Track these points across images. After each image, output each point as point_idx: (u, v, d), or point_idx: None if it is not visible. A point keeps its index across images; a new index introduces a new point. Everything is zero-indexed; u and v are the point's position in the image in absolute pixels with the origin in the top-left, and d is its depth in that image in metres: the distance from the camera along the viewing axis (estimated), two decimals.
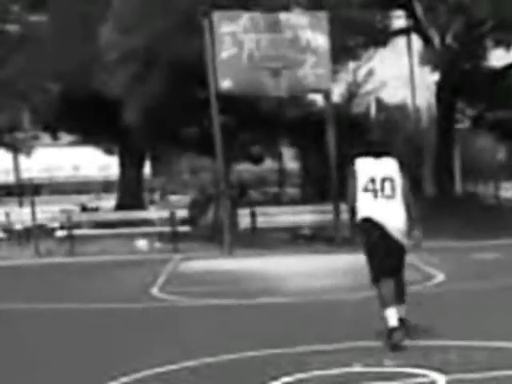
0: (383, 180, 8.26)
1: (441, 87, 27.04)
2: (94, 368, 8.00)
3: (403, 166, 8.49)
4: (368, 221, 8.30)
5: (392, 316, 8.19)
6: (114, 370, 7.67)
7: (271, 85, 20.41)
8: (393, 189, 8.27)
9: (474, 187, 32.88)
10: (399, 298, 8.45)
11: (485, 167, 32.55)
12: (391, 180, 8.29)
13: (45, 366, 8.28)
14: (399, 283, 8.54)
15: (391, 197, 8.28)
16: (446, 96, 27.00)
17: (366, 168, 8.34)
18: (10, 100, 24.66)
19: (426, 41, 26.63)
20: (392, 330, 8.14)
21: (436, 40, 26.23)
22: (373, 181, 8.26)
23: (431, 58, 25.80)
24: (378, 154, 8.44)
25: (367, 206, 8.27)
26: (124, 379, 7.30)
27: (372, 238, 8.37)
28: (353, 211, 8.42)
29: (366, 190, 8.28)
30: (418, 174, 28.77)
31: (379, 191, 8.25)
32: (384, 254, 8.36)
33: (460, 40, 25.61)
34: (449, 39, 26.01)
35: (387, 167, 8.37)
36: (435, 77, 27.45)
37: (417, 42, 28.84)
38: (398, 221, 8.33)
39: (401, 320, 8.34)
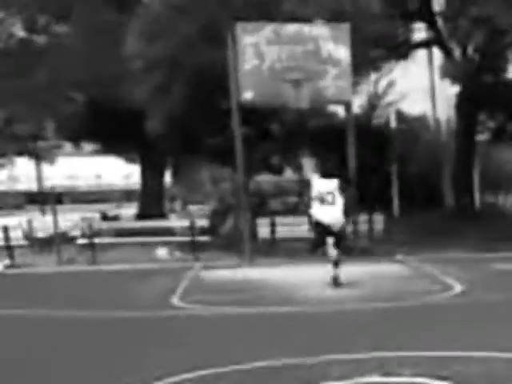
0: (327, 193, 14.20)
1: (461, 99, 27.05)
2: (112, 375, 8.13)
3: (348, 184, 15.39)
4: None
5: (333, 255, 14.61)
6: (132, 377, 7.80)
7: (292, 96, 20.50)
8: (333, 199, 14.21)
9: (494, 199, 32.79)
10: (337, 262, 14.61)
11: (506, 179, 32.45)
12: (332, 193, 14.21)
13: (63, 372, 8.42)
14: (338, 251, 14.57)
15: (332, 204, 14.26)
16: (466, 108, 27.00)
17: (319, 185, 14.31)
18: (35, 109, 24.88)
19: (447, 53, 26.65)
20: (335, 262, 14.66)
21: (457, 52, 26.25)
22: (321, 193, 14.18)
23: (452, 70, 25.81)
24: (329, 176, 14.43)
25: (318, 209, 14.37)
26: None
27: (320, 226, 14.50)
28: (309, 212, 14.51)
29: (317, 199, 14.30)
30: (438, 186, 28.77)
31: (325, 200, 14.23)
32: (326, 233, 14.47)
33: (481, 52, 25.61)
34: (470, 51, 26.03)
35: (331, 185, 14.26)
36: (456, 89, 27.48)
37: (438, 54, 28.89)
38: (335, 218, 14.37)
39: (335, 279, 14.66)
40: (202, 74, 21.07)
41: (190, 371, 7.89)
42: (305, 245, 22.30)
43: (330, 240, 14.53)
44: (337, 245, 14.62)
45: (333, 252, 14.59)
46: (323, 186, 14.31)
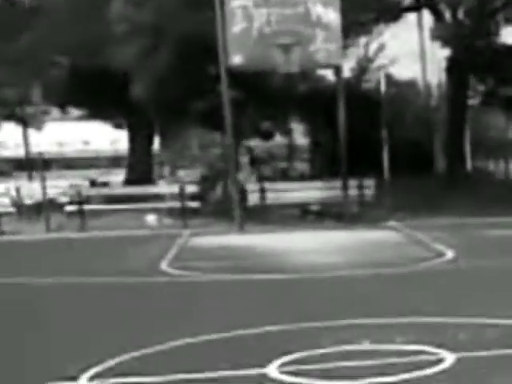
0: None
1: (452, 62, 26.85)
2: (105, 341, 8.07)
3: None
4: None
5: None
6: (125, 343, 7.74)
7: (282, 60, 20.25)
8: None
9: (485, 164, 32.73)
10: None
11: (495, 144, 32.38)
12: None
13: (59, 339, 8.35)
14: None
15: None
16: (457, 71, 26.82)
17: None
18: (20, 74, 24.57)
19: (438, 16, 26.41)
20: None
21: (447, 15, 26.01)
22: None
23: (442, 32, 25.58)
24: None
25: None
26: (135, 353, 7.38)
27: None
28: None
29: None
30: (429, 151, 28.68)
31: None
32: None
33: (472, 15, 25.37)
34: (460, 14, 25.78)
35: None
36: (446, 52, 27.26)
37: (428, 18, 28.61)
38: None
39: None
40: (189, 38, 20.80)
41: (174, 339, 7.83)
42: (294, 211, 22.31)
43: None
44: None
45: None
46: None
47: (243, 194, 21.89)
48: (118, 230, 20.66)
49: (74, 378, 6.74)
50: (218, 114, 21.22)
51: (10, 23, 23.81)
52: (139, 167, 29.64)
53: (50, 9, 23.66)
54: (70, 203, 23.49)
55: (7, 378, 7.04)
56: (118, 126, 33.84)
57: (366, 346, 7.48)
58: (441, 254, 14.21)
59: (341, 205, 21.52)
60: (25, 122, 34.87)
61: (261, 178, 25.62)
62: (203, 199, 23.70)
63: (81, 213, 22.13)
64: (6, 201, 24.05)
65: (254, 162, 29.02)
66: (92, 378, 6.75)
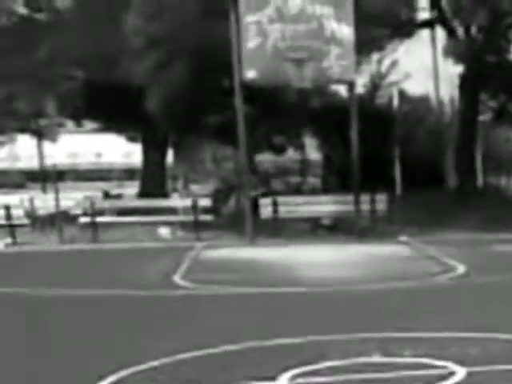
0: None
1: (464, 79, 26.91)
2: (117, 352, 8.13)
3: None
4: None
5: None
6: (136, 355, 7.80)
7: (295, 75, 20.38)
8: None
9: (497, 180, 32.70)
10: None
11: (507, 160, 32.35)
12: None
13: (69, 350, 8.41)
14: None
15: None
16: (469, 88, 26.87)
17: None
18: (35, 87, 24.74)
19: (451, 32, 26.50)
20: None
21: (460, 32, 26.09)
22: None
23: (455, 49, 25.65)
24: None
25: None
26: (143, 366, 7.45)
27: None
28: None
29: None
30: (441, 167, 28.70)
31: None
32: None
33: (484, 32, 25.44)
34: (473, 31, 25.86)
35: None
36: (459, 69, 27.32)
37: (441, 34, 28.69)
38: None
39: None
40: (204, 52, 20.94)
41: (185, 351, 7.89)
42: (306, 225, 22.35)
43: None
44: None
45: None
46: None
47: (256, 207, 21.97)
48: (131, 243, 20.75)
49: None
50: (232, 129, 21.32)
51: (26, 37, 24.02)
52: (153, 180, 29.75)
53: (65, 22, 23.86)
54: (84, 215, 23.60)
55: None
56: (131, 139, 34.03)
57: (378, 358, 7.53)
58: (452, 269, 14.24)
59: (353, 219, 21.56)
60: (39, 135, 35.04)
61: (273, 192, 25.69)
62: (216, 212, 23.78)
63: (94, 225, 22.24)
64: (20, 212, 24.18)
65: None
66: None
